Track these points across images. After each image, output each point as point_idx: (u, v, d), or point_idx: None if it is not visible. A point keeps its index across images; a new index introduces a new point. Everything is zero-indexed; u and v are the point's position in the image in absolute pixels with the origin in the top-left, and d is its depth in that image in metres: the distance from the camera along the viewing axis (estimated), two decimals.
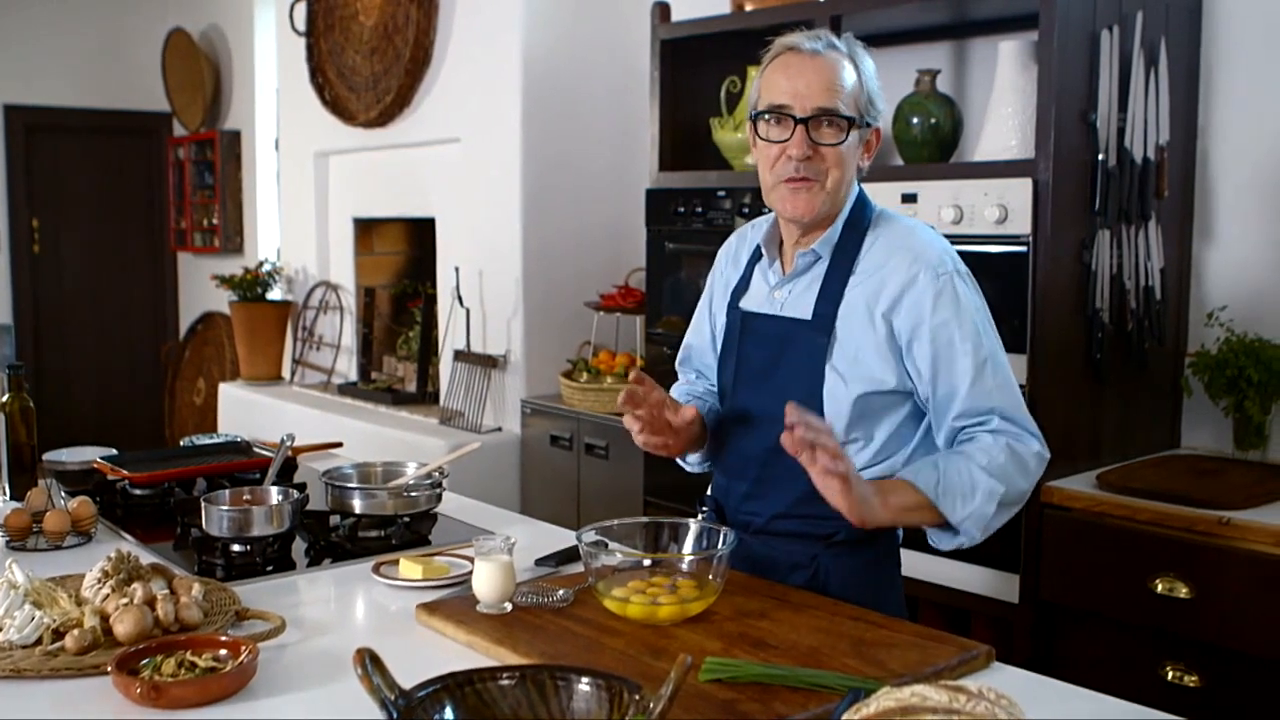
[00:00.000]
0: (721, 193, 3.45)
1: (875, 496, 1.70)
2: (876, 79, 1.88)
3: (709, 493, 2.05)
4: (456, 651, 1.62)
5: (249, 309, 5.80)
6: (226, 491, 2.14)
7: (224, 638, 1.55)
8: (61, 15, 6.93)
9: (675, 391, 2.14)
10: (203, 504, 2.05)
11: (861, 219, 1.89)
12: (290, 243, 5.98)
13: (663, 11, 3.67)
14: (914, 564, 2.53)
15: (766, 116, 1.85)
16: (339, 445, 2.88)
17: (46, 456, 2.55)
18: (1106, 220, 2.75)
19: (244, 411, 5.63)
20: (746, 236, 2.07)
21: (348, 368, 5.57)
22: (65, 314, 7.26)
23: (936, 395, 1.81)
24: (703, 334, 2.12)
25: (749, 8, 3.47)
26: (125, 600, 1.63)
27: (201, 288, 6.99)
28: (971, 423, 1.80)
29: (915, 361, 1.81)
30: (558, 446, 4.19)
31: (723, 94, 3.61)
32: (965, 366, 1.78)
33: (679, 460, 2.08)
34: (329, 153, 5.54)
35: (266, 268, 5.89)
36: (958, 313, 1.79)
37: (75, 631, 1.58)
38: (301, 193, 5.74)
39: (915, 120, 3.14)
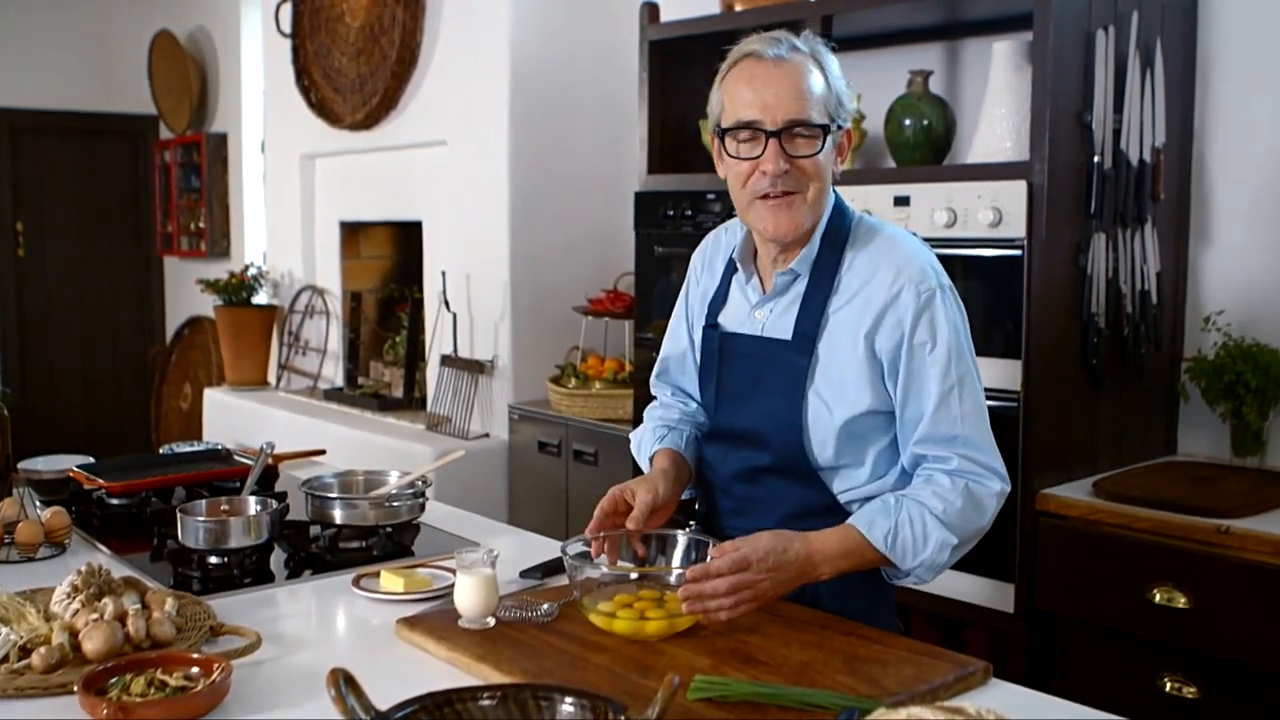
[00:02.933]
0: (711, 195, 3.41)
1: (810, 569, 1.66)
2: (842, 77, 1.80)
3: (696, 506, 2.01)
4: (438, 668, 1.58)
5: (234, 313, 5.74)
6: (203, 502, 2.10)
7: (196, 655, 1.50)
8: (47, 17, 6.88)
9: (648, 422, 2.06)
10: (178, 515, 2.00)
11: (840, 230, 1.82)
12: (276, 246, 5.93)
13: (651, 12, 3.63)
14: None
15: (735, 132, 1.77)
16: (321, 453, 2.83)
17: (21, 465, 2.49)
18: (1102, 223, 2.71)
19: (229, 417, 5.58)
20: (721, 240, 1.99)
21: (334, 373, 5.52)
22: (50, 318, 7.19)
23: (904, 416, 1.76)
24: (679, 344, 2.04)
25: (739, 8, 3.43)
26: (95, 615, 1.58)
27: (188, 292, 6.93)
28: (932, 453, 1.73)
29: (894, 381, 1.75)
30: (545, 453, 4.15)
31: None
32: (933, 391, 1.72)
33: None
34: (315, 155, 5.50)
35: (252, 272, 5.84)
36: (934, 333, 1.73)
37: (43, 649, 1.53)
38: (288, 196, 5.69)
39: (908, 122, 3.10)
